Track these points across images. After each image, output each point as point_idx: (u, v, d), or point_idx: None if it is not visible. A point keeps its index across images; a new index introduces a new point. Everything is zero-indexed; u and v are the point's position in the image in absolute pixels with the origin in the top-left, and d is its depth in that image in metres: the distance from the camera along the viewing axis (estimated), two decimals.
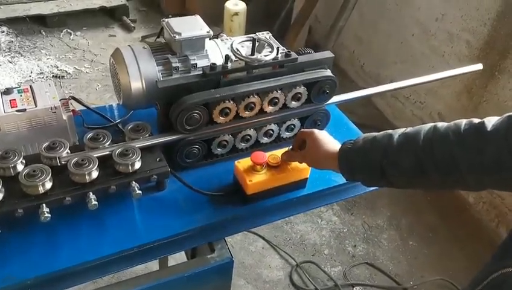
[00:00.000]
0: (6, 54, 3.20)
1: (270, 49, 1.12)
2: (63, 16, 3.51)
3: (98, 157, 0.96)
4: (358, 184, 1.16)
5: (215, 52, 1.18)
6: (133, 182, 0.97)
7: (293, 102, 1.17)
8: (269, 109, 1.15)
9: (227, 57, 1.06)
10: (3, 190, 0.89)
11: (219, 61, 1.09)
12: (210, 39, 1.18)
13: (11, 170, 0.92)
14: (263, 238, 2.19)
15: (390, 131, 0.87)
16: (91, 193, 0.93)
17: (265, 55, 1.09)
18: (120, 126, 1.20)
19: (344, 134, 1.30)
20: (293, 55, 1.13)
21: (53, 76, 3.07)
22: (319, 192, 1.15)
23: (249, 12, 3.16)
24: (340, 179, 1.15)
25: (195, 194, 1.07)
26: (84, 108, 1.21)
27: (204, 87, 1.05)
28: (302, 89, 1.15)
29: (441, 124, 0.80)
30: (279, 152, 1.10)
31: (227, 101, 1.07)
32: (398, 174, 0.84)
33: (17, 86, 1.09)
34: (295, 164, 1.09)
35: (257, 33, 1.24)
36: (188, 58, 1.12)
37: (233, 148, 1.18)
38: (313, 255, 2.16)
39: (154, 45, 1.15)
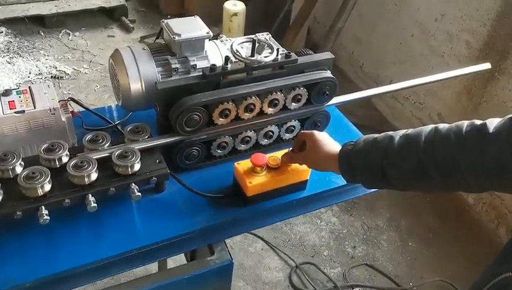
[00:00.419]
0: (4, 54, 3.19)
1: (270, 51, 1.11)
2: (61, 17, 3.50)
3: (97, 159, 0.95)
4: (359, 186, 1.17)
5: (215, 53, 1.17)
6: (133, 184, 0.96)
7: (293, 103, 1.17)
8: (269, 110, 1.14)
9: (227, 58, 1.06)
10: (1, 192, 0.88)
11: (219, 63, 1.09)
12: (210, 40, 1.17)
13: (10, 172, 0.92)
14: (262, 239, 2.19)
15: (391, 133, 0.86)
16: (90, 195, 0.92)
17: (265, 57, 1.08)
18: (119, 128, 1.20)
19: (344, 135, 1.29)
20: (293, 56, 1.13)
21: (52, 77, 3.06)
22: (319, 194, 1.15)
23: (248, 12, 3.16)
24: (340, 181, 1.15)
25: (194, 196, 1.07)
26: (83, 109, 1.20)
27: (204, 89, 1.05)
28: (302, 91, 1.15)
29: (442, 126, 0.80)
30: (279, 154, 1.09)
31: (227, 103, 1.06)
32: (399, 176, 0.84)
33: (15, 87, 1.09)
34: (295, 165, 1.09)
35: (257, 34, 1.24)
36: (188, 59, 1.12)
37: (233, 149, 1.18)
38: (313, 257, 2.15)
39: (154, 46, 1.15)
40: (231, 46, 1.10)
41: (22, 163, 0.94)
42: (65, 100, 1.10)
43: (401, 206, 2.41)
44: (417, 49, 2.60)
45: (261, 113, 1.14)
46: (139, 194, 0.96)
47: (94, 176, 0.93)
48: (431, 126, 0.81)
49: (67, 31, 3.52)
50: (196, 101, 1.02)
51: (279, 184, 1.08)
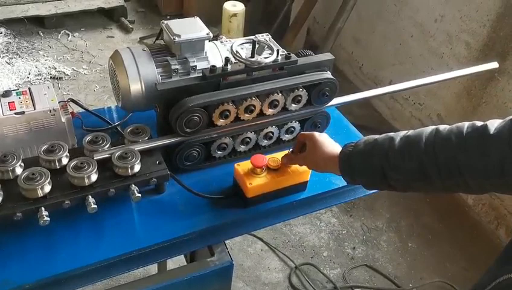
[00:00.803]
0: (4, 55, 3.19)
1: (270, 51, 1.11)
2: (61, 17, 3.50)
3: (97, 160, 0.95)
4: (358, 187, 1.17)
5: (215, 54, 1.17)
6: (133, 185, 0.96)
7: (293, 104, 1.16)
8: (269, 111, 1.14)
9: (227, 59, 1.06)
10: (1, 193, 0.88)
11: (219, 64, 1.09)
12: (209, 41, 1.17)
13: (10, 173, 0.92)
14: (262, 240, 2.18)
15: (391, 134, 0.86)
16: (90, 196, 0.92)
17: (265, 58, 1.08)
18: (119, 129, 1.19)
19: (344, 136, 1.30)
20: (293, 57, 1.12)
21: (51, 77, 3.06)
22: (319, 195, 1.15)
23: (248, 13, 3.15)
24: (340, 182, 1.15)
25: (194, 197, 1.07)
26: (83, 110, 1.20)
27: (204, 90, 1.05)
28: (302, 92, 1.14)
29: (443, 127, 0.80)
30: (279, 155, 1.09)
31: (227, 104, 1.06)
32: (399, 177, 0.83)
33: (15, 88, 1.09)
34: (295, 166, 1.09)
35: (257, 35, 1.24)
36: (188, 60, 1.12)
37: (233, 151, 1.18)
38: (312, 257, 2.15)
39: (154, 46, 1.15)
40: (231, 47, 1.09)
41: (22, 164, 0.94)
42: (65, 101, 1.10)
43: (401, 207, 2.41)
44: (417, 50, 2.60)
45: (261, 114, 1.14)
46: (139, 195, 0.96)
47: (94, 177, 0.93)
48: (431, 127, 0.81)
49: (67, 31, 3.51)
50: (196, 102, 1.02)
51: (279, 185, 1.08)
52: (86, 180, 0.92)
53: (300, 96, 1.15)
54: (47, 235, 0.94)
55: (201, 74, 1.06)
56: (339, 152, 0.94)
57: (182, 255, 1.47)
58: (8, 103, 1.02)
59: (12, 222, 0.88)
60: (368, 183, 0.91)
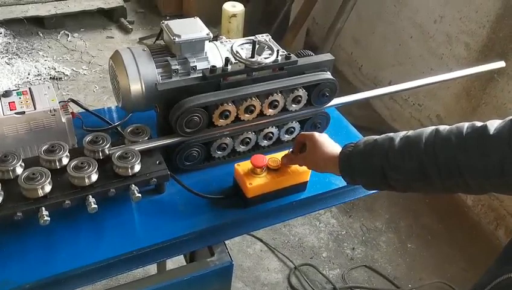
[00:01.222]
0: (3, 55, 3.19)
1: (270, 52, 1.11)
2: (60, 18, 3.50)
3: (98, 160, 0.95)
4: (358, 187, 1.17)
5: (215, 55, 1.17)
6: (133, 185, 0.96)
7: (293, 105, 1.17)
8: (269, 111, 1.14)
9: (227, 60, 1.06)
10: (2, 193, 0.88)
11: (219, 64, 1.09)
12: (209, 41, 1.17)
13: (10, 173, 0.92)
14: (261, 240, 2.18)
15: (391, 134, 0.86)
16: (90, 196, 0.92)
17: (265, 58, 1.08)
18: (119, 129, 1.19)
19: (344, 137, 1.30)
20: (293, 57, 1.13)
21: (50, 78, 3.06)
22: (319, 195, 1.15)
23: (247, 14, 3.15)
24: (340, 182, 1.16)
25: (194, 197, 1.07)
26: (83, 110, 1.20)
27: (204, 90, 1.05)
28: (302, 92, 1.15)
29: (443, 127, 0.80)
30: (279, 155, 1.09)
31: (227, 104, 1.06)
32: (399, 177, 0.84)
33: (14, 88, 1.09)
34: (295, 166, 1.09)
35: (257, 35, 1.24)
36: (188, 60, 1.12)
37: (233, 151, 1.18)
38: (311, 258, 2.15)
39: (154, 47, 1.15)
40: (231, 47, 1.10)
41: (23, 164, 0.94)
42: (65, 101, 1.10)
43: (400, 208, 2.41)
44: (416, 51, 2.61)
45: (261, 114, 1.14)
46: (139, 195, 0.96)
47: (94, 177, 0.93)
48: (431, 128, 0.81)
49: (66, 32, 3.51)
50: (196, 102, 1.02)
51: (279, 185, 1.08)
52: (86, 180, 0.92)
53: (300, 96, 1.15)
54: (47, 235, 0.94)
55: (201, 74, 1.07)
56: (338, 152, 0.94)
57: (182, 256, 1.48)
58: (9, 102, 1.02)
59: (12, 222, 0.88)
60: (368, 184, 0.91)
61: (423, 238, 2.27)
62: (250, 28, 3.15)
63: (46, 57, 3.25)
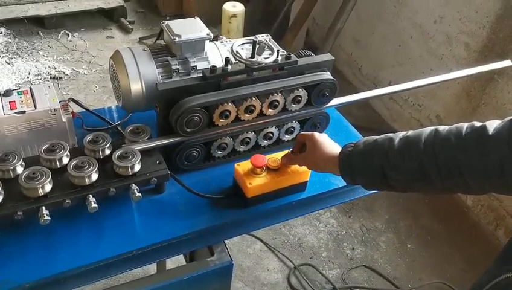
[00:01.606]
0: (4, 55, 3.19)
1: (270, 52, 1.11)
2: (60, 17, 3.50)
3: (98, 160, 0.95)
4: (358, 187, 1.16)
5: (215, 55, 1.17)
6: (133, 185, 0.96)
7: (293, 105, 1.17)
8: (269, 111, 1.14)
9: (227, 60, 1.06)
10: (2, 192, 0.88)
11: (219, 64, 1.09)
12: (210, 41, 1.18)
13: (11, 172, 0.92)
14: (261, 240, 2.19)
15: (391, 134, 0.87)
16: (91, 196, 0.92)
17: (265, 58, 1.09)
18: (119, 128, 1.20)
19: (344, 137, 1.30)
20: (293, 57, 1.13)
21: (51, 77, 3.06)
22: (319, 195, 1.15)
23: (247, 14, 3.16)
24: (340, 182, 1.16)
25: (194, 197, 1.07)
26: (84, 110, 1.21)
27: (204, 90, 1.05)
28: (302, 92, 1.15)
29: (442, 128, 0.80)
30: (279, 155, 1.10)
31: (227, 104, 1.06)
32: (399, 177, 0.84)
33: (15, 87, 1.09)
34: (295, 166, 1.09)
35: (257, 35, 1.24)
36: (188, 60, 1.12)
37: (233, 151, 1.18)
38: (311, 258, 2.15)
39: (154, 47, 1.15)
40: (231, 47, 1.10)
41: (23, 163, 0.94)
42: (66, 101, 1.11)
43: (400, 208, 2.41)
44: (416, 51, 2.61)
45: (261, 114, 1.14)
46: (140, 194, 0.96)
47: (95, 176, 0.93)
48: (431, 128, 0.82)
49: (67, 31, 3.52)
50: (196, 102, 1.02)
51: (279, 185, 1.08)
52: (87, 180, 0.92)
53: (300, 96, 1.16)
54: (47, 234, 0.95)
55: (201, 74, 1.07)
56: (338, 153, 0.94)
57: (182, 255, 1.48)
58: (9, 102, 1.02)
59: (12, 222, 0.88)
60: (368, 184, 0.91)
61: (423, 239, 2.27)
62: (250, 28, 3.15)
63: (47, 56, 3.25)
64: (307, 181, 1.13)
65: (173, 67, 1.10)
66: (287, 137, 1.24)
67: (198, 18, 1.19)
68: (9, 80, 2.96)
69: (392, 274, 2.11)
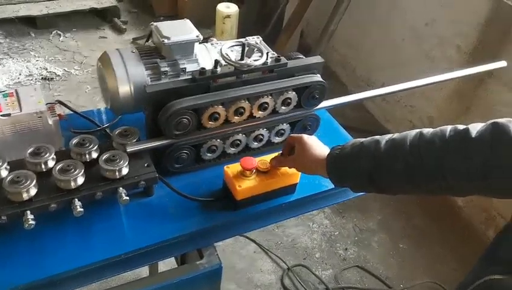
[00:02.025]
0: None
1: (260, 54, 1.11)
2: (52, 17, 3.47)
3: (84, 163, 0.94)
4: (348, 189, 1.17)
5: (205, 57, 1.17)
6: (120, 188, 0.95)
7: (283, 107, 1.16)
8: (259, 113, 1.14)
9: (216, 62, 1.05)
10: None
11: (208, 66, 1.08)
12: (200, 43, 1.17)
13: None
14: (254, 242, 2.18)
15: (377, 137, 0.87)
16: (76, 200, 0.91)
17: (255, 60, 1.08)
18: (108, 131, 1.19)
19: (334, 139, 1.29)
20: (283, 60, 1.12)
21: (42, 78, 3.04)
22: (309, 197, 1.15)
23: (241, 15, 3.15)
24: (330, 184, 1.14)
25: (184, 199, 1.06)
26: (72, 112, 1.19)
27: (193, 92, 1.04)
28: (291, 94, 1.14)
29: (427, 130, 0.80)
30: (268, 157, 1.09)
31: (216, 106, 1.06)
32: (385, 179, 0.84)
33: (5, 88, 1.08)
34: (285, 169, 1.08)
35: (247, 38, 1.24)
36: (177, 62, 1.11)
37: (223, 153, 1.17)
38: (304, 259, 2.15)
39: (143, 48, 1.14)
40: (221, 49, 1.09)
41: (7, 167, 0.92)
42: (52, 103, 1.09)
43: (392, 209, 2.42)
44: (408, 53, 2.62)
45: (251, 116, 1.14)
46: (127, 198, 0.95)
47: (81, 180, 0.92)
48: (415, 131, 0.82)
49: (58, 32, 3.49)
50: (185, 104, 1.01)
51: (269, 188, 1.08)
52: (72, 183, 0.91)
53: (290, 98, 1.15)
54: (32, 239, 0.93)
55: (190, 76, 1.06)
56: (326, 155, 0.94)
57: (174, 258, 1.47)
58: None
59: None
60: (355, 186, 0.91)
61: (415, 239, 2.28)
62: (244, 30, 3.15)
63: (38, 57, 3.23)
64: (296, 183, 1.12)
65: (162, 69, 1.09)
66: (277, 139, 1.24)
67: (188, 20, 1.18)
68: None
69: (385, 274, 2.11)
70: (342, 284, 2.05)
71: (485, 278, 0.61)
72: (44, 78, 3.04)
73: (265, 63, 1.09)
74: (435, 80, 1.35)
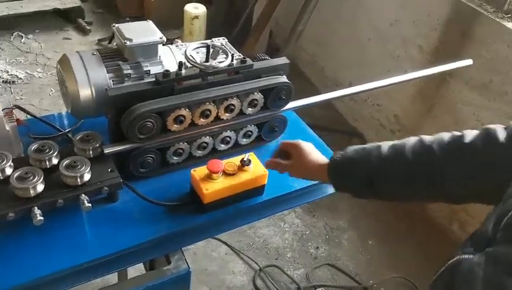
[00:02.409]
0: None
1: (225, 56, 1.11)
2: (14, 18, 3.33)
3: (44, 170, 0.91)
4: (315, 189, 1.19)
5: (169, 59, 1.15)
6: (82, 195, 0.93)
7: (250, 108, 1.17)
8: (225, 115, 1.14)
9: (181, 64, 1.04)
10: None
11: (173, 68, 1.07)
12: (164, 45, 1.15)
13: None
14: (226, 243, 2.17)
15: (379, 143, 0.89)
16: (36, 208, 0.88)
17: (220, 62, 1.08)
18: (70, 135, 1.15)
19: (301, 139, 1.31)
20: (249, 61, 1.12)
21: (3, 81, 2.91)
22: (277, 198, 1.15)
23: (210, 15, 3.14)
24: (298, 185, 1.17)
25: (150, 204, 1.04)
26: (31, 117, 1.15)
27: (157, 95, 1.03)
28: (258, 96, 1.15)
29: (426, 137, 0.84)
30: (236, 159, 1.09)
31: (181, 109, 1.05)
32: (386, 185, 0.86)
33: None
34: (252, 171, 1.09)
35: (213, 39, 1.23)
36: (141, 64, 1.10)
37: (190, 156, 1.16)
38: (276, 259, 2.16)
39: (104, 51, 1.11)
40: (185, 51, 1.08)
41: None
42: (10, 108, 1.05)
43: (362, 206, 2.46)
44: (374, 53, 2.68)
45: (217, 118, 1.13)
46: (90, 205, 0.93)
47: (40, 187, 0.89)
48: (415, 137, 0.85)
49: (20, 33, 3.36)
50: (149, 107, 1.00)
51: (236, 190, 1.08)
52: (31, 191, 0.87)
53: (256, 100, 1.15)
54: None
55: (154, 79, 1.04)
56: (326, 160, 0.96)
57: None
58: None
59: None
60: (356, 192, 0.93)
61: (383, 236, 2.33)
62: (212, 30, 3.12)
63: None
64: (264, 185, 1.13)
65: (125, 72, 1.07)
66: (244, 141, 1.24)
67: (150, 21, 1.16)
68: None
69: (354, 271, 2.15)
70: (314, 282, 2.08)
71: (456, 257, 0.64)
72: (6, 82, 2.92)
73: (230, 65, 1.09)
74: (402, 79, 1.38)
